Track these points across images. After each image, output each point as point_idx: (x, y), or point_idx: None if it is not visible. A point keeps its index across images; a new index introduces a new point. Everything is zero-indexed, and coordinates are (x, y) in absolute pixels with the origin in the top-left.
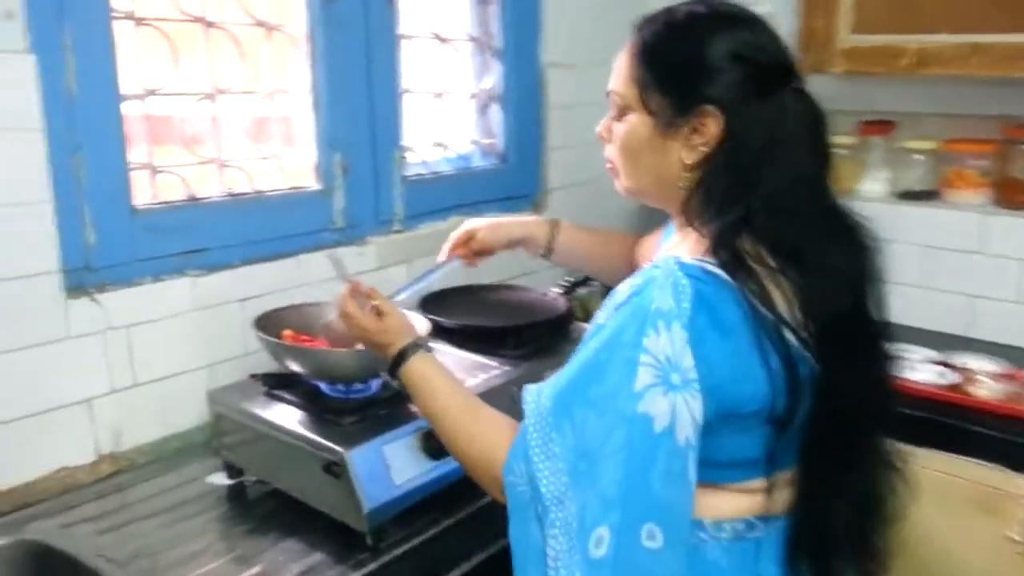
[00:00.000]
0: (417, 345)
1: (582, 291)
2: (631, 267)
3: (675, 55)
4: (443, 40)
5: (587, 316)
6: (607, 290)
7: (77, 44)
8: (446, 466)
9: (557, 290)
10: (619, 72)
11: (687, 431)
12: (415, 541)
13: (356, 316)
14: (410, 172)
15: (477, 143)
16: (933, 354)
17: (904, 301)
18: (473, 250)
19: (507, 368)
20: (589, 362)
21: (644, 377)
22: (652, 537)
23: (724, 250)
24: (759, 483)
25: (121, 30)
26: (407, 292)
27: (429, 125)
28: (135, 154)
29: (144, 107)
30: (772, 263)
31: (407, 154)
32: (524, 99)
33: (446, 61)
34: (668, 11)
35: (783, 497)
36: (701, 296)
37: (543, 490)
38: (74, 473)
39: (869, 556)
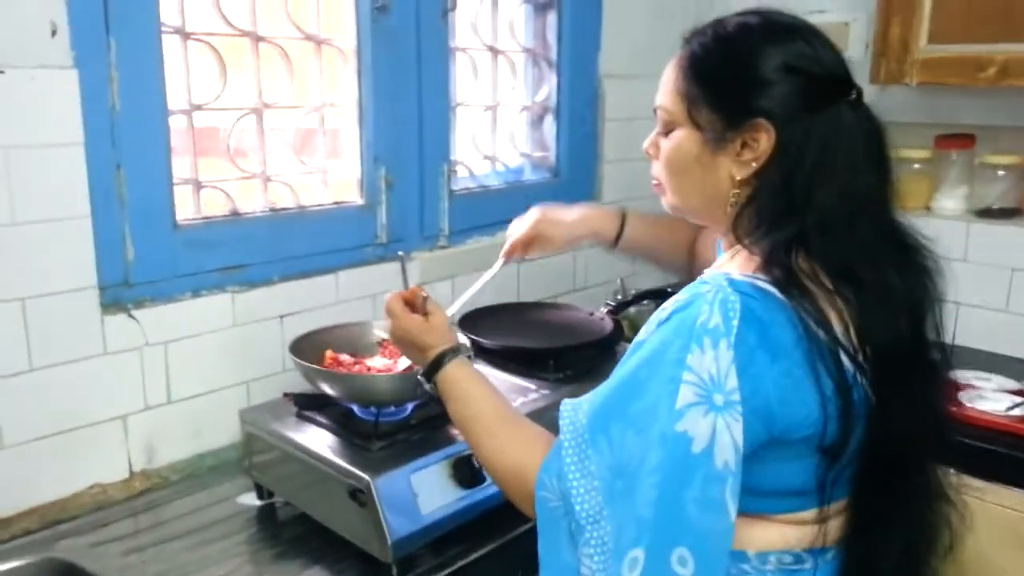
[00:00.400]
0: (457, 351)
1: (631, 310)
2: (692, 256)
3: (725, 68)
4: (497, 52)
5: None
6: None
7: (123, 59)
8: (476, 495)
9: (604, 309)
10: (666, 86)
11: (726, 455)
12: (443, 573)
13: (401, 315)
14: (458, 186)
15: (528, 156)
16: (1010, 383)
17: (983, 325)
18: (535, 250)
19: (546, 392)
20: (629, 378)
21: (686, 395)
22: (683, 563)
23: (777, 267)
24: (808, 514)
25: (169, 44)
26: (462, 301)
27: (480, 138)
28: (179, 166)
29: (190, 121)
30: (827, 283)
31: (456, 168)
32: (579, 111)
33: (500, 73)
34: (718, 22)
35: (833, 529)
36: (751, 313)
37: (577, 508)
38: (107, 490)
39: None
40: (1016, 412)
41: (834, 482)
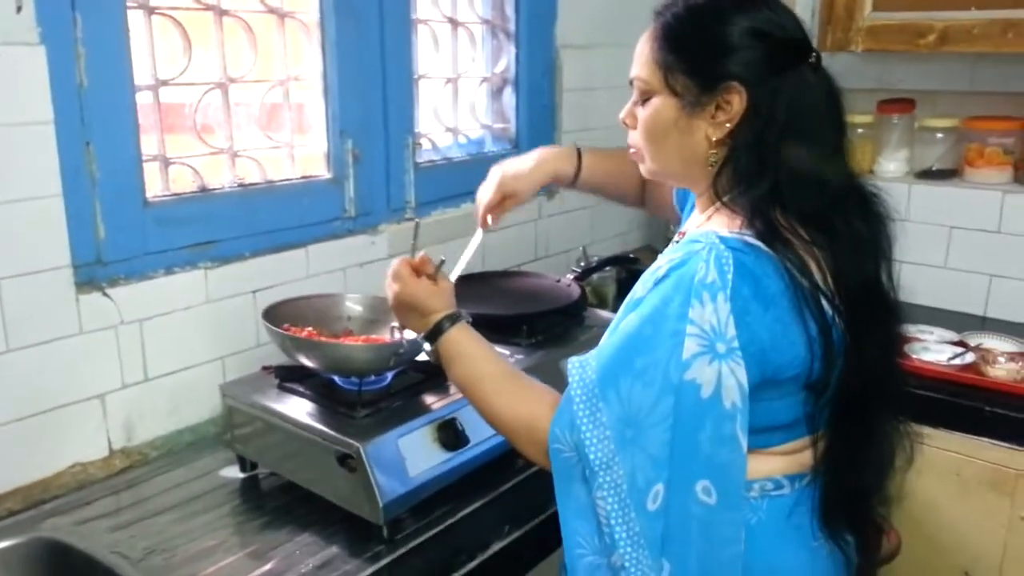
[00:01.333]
0: (459, 316)
1: (595, 277)
2: (641, 189)
3: (698, 36)
4: (457, 24)
5: (601, 302)
6: (622, 275)
7: (89, 35)
8: (460, 457)
9: (570, 276)
10: (642, 57)
11: (733, 396)
12: (431, 532)
13: (409, 279)
14: (422, 159)
15: (489, 128)
16: (950, 335)
17: (923, 281)
18: (507, 208)
19: (520, 356)
20: (634, 334)
21: (690, 346)
22: (708, 493)
23: (760, 222)
24: (790, 446)
25: (133, 19)
26: (458, 270)
27: (441, 111)
28: (146, 144)
29: (156, 97)
30: (803, 234)
31: (420, 141)
32: (537, 82)
33: (460, 45)
34: None
35: (808, 457)
36: (743, 267)
37: (591, 456)
38: (87, 469)
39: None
40: (956, 362)
41: (817, 415)
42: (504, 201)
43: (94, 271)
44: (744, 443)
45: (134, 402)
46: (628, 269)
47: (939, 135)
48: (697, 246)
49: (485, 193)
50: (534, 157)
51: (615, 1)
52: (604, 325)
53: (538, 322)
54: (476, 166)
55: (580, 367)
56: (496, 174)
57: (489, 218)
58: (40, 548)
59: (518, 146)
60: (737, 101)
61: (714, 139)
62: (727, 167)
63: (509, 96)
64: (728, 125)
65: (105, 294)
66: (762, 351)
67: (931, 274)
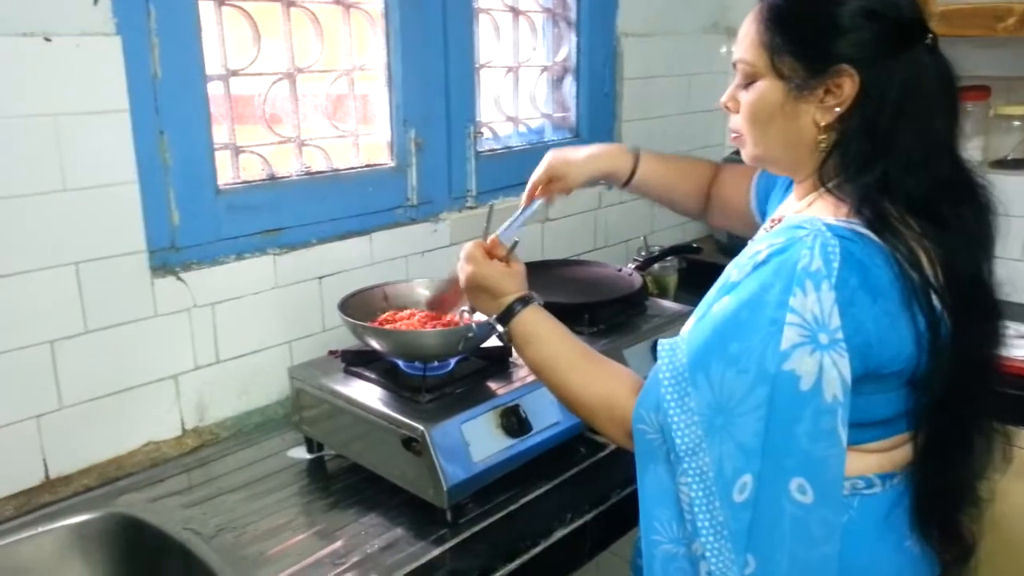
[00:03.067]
0: (532, 298)
1: (656, 267)
2: (705, 199)
3: (807, 16)
4: (518, 12)
5: (661, 292)
6: (684, 265)
7: (162, 26)
8: (524, 444)
9: (631, 265)
10: (746, 39)
11: (835, 389)
12: (494, 517)
13: (483, 261)
14: (483, 148)
15: (549, 117)
16: None
17: (1001, 275)
18: (553, 191)
19: None
20: (728, 319)
21: (790, 336)
22: (803, 491)
23: (870, 210)
24: (885, 443)
25: (204, 10)
26: (509, 233)
27: (502, 99)
28: (217, 133)
29: (227, 87)
30: (913, 224)
31: (481, 129)
32: (598, 71)
33: (521, 34)
34: None
35: (902, 455)
36: (851, 256)
37: (677, 440)
38: (160, 447)
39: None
40: None
41: (919, 412)
42: (551, 183)
43: (168, 256)
44: (844, 438)
45: (206, 383)
46: (689, 259)
47: (1016, 123)
48: (801, 232)
49: (539, 169)
50: (590, 149)
51: None
52: (666, 314)
53: (600, 311)
54: (536, 155)
55: (670, 349)
56: (548, 156)
57: (528, 195)
58: (114, 523)
59: (578, 135)
60: (848, 85)
61: (822, 124)
62: (835, 153)
63: (570, 85)
64: (838, 110)
65: (179, 278)
66: (867, 344)
67: (1008, 267)
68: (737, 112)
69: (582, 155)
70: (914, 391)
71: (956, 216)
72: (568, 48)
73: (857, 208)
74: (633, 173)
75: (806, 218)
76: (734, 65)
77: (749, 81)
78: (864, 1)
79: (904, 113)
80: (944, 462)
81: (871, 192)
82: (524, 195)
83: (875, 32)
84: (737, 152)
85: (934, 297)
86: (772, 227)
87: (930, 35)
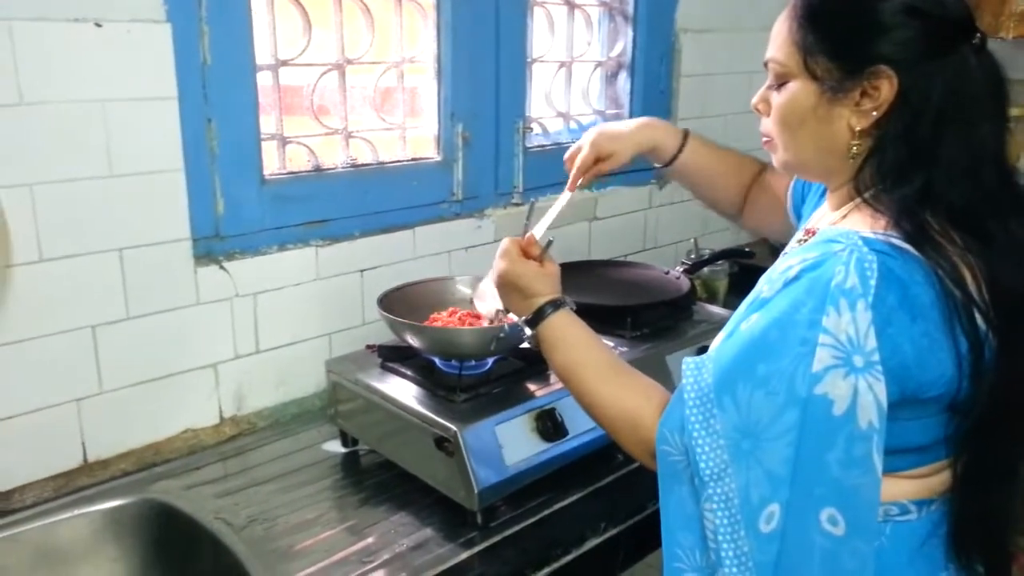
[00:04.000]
0: (564, 302)
1: (706, 270)
2: (744, 197)
3: (844, 13)
4: (574, 6)
5: (711, 296)
6: (735, 269)
7: (213, 14)
8: (558, 449)
9: (680, 268)
10: (779, 38)
11: (870, 414)
12: (526, 523)
13: (517, 259)
14: (531, 143)
15: (602, 113)
16: None
17: None
18: (603, 171)
19: (624, 349)
20: (757, 338)
21: (823, 358)
22: (834, 522)
23: (909, 222)
24: (923, 469)
25: (255, 0)
26: (540, 229)
27: (553, 95)
28: (265, 123)
29: (276, 77)
30: (956, 238)
31: (531, 125)
32: (654, 67)
33: (576, 28)
34: None
35: (939, 482)
36: (890, 273)
37: (701, 465)
38: (198, 435)
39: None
40: None
41: (960, 438)
42: (599, 163)
43: (212, 245)
44: (880, 466)
45: (245, 372)
46: (741, 263)
47: None
48: (836, 247)
49: (579, 152)
50: (637, 121)
51: None
52: (714, 320)
53: (644, 314)
54: None
55: (696, 368)
56: (591, 134)
57: (581, 180)
58: (149, 509)
59: None
60: (886, 87)
61: (857, 129)
62: (871, 160)
63: (624, 81)
64: (875, 114)
65: (222, 267)
66: (904, 367)
67: None
68: (768, 115)
69: (629, 127)
70: (955, 416)
71: (1003, 230)
72: (624, 43)
73: (896, 220)
74: (680, 151)
75: (841, 231)
76: (765, 64)
77: (781, 82)
78: None
79: (947, 119)
80: (986, 489)
81: (911, 203)
82: (570, 180)
83: (917, 31)
84: None
85: (978, 317)
86: (806, 239)
87: (978, 34)
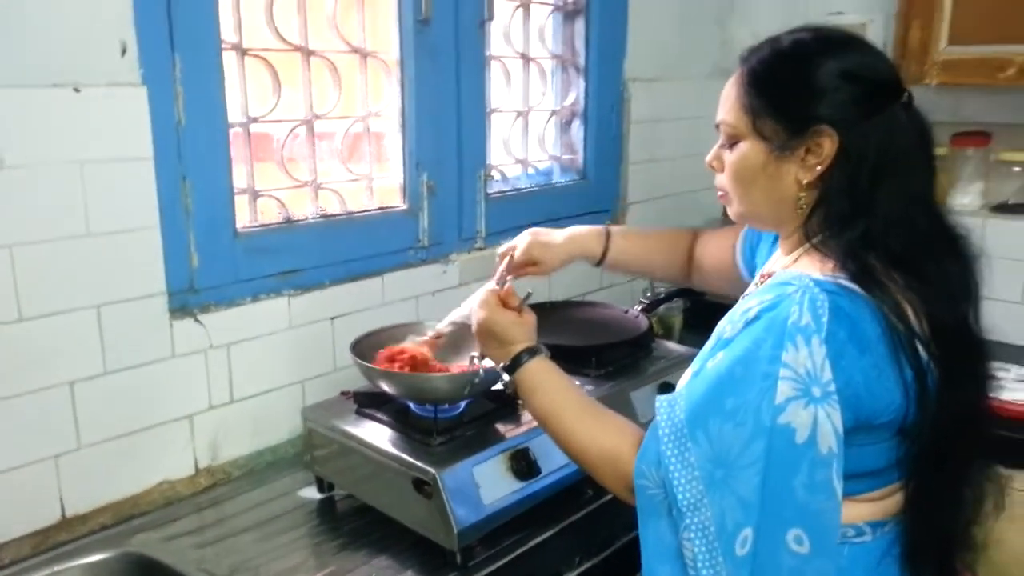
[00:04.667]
0: (540, 349)
1: (662, 308)
2: (688, 266)
3: (786, 79)
4: (529, 59)
5: (666, 333)
6: (688, 306)
7: (187, 76)
8: (533, 486)
9: (637, 307)
10: (728, 102)
11: (829, 441)
12: (504, 560)
13: (496, 309)
14: (493, 190)
15: (557, 159)
16: None
17: (1001, 317)
18: (527, 274)
19: (590, 387)
20: (724, 375)
21: (784, 390)
22: (800, 542)
23: (855, 264)
24: (876, 493)
25: (227, 60)
26: (453, 316)
27: (512, 143)
28: (237, 177)
29: (247, 132)
30: (897, 277)
31: (491, 172)
32: (605, 115)
33: (531, 79)
34: (773, 40)
35: (893, 504)
36: (839, 310)
37: (679, 496)
38: (175, 486)
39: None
40: None
41: (909, 461)
42: (526, 266)
43: (187, 298)
44: (840, 489)
45: (220, 423)
46: (695, 300)
47: (1016, 168)
48: (789, 288)
49: (513, 251)
50: (565, 233)
51: (681, 37)
52: (672, 357)
53: (608, 353)
54: (544, 196)
55: (668, 406)
56: (526, 237)
57: (508, 278)
58: (129, 563)
59: (585, 176)
60: (828, 144)
61: (804, 182)
62: (818, 210)
63: (577, 128)
64: (819, 168)
65: (197, 320)
66: (857, 396)
67: (1007, 310)
68: (722, 171)
69: (559, 239)
70: (904, 441)
71: (938, 269)
72: (576, 93)
73: (842, 263)
74: (605, 253)
75: (794, 274)
76: (717, 127)
77: (732, 142)
78: (841, 63)
79: (883, 170)
80: (935, 510)
81: (855, 247)
82: (498, 275)
83: (853, 93)
84: None
85: (920, 348)
86: (762, 283)
87: (906, 93)
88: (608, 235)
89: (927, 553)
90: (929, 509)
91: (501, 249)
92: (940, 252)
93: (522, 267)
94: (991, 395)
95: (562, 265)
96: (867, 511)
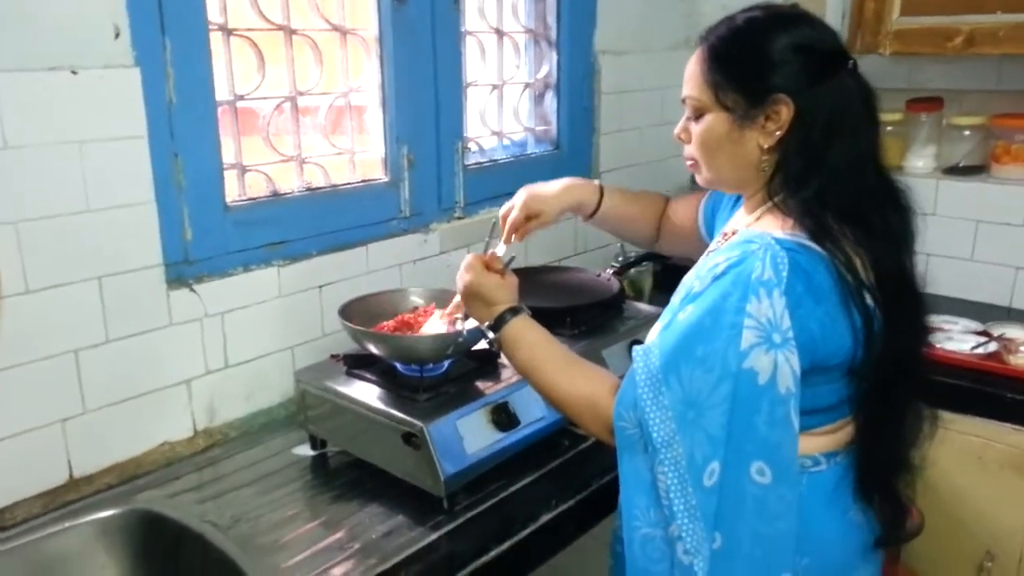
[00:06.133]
0: (522, 309)
1: (632, 271)
2: (657, 231)
3: (744, 54)
4: (502, 34)
5: (637, 294)
6: (658, 269)
7: (177, 57)
8: (513, 437)
9: (609, 271)
10: (692, 78)
11: (787, 382)
12: (486, 504)
13: (481, 272)
14: (470, 161)
15: (531, 130)
16: (975, 324)
17: (950, 273)
18: (531, 229)
19: (565, 346)
20: (694, 325)
21: (748, 337)
22: (762, 473)
23: (810, 220)
24: (830, 427)
25: (214, 40)
26: (501, 246)
27: (487, 115)
28: (225, 153)
29: (234, 109)
30: (847, 232)
31: (468, 144)
32: (577, 86)
33: (504, 53)
34: (729, 19)
35: (843, 436)
36: (797, 266)
37: (654, 434)
38: (175, 447)
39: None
40: (980, 351)
41: (859, 397)
42: (528, 221)
43: (182, 269)
44: (796, 424)
45: (216, 387)
46: (664, 263)
47: (966, 132)
48: (753, 246)
49: (512, 211)
50: (561, 183)
51: (648, 10)
52: (642, 316)
53: (581, 314)
54: (520, 166)
55: (644, 355)
56: (522, 195)
57: (514, 236)
58: (136, 518)
59: (559, 147)
60: (785, 111)
61: (765, 147)
62: (779, 172)
63: (550, 100)
64: (778, 133)
65: (192, 290)
66: (813, 341)
67: (958, 266)
68: (690, 142)
69: (554, 189)
70: (853, 379)
71: (882, 221)
72: (549, 66)
73: (800, 220)
74: (599, 205)
75: (757, 233)
76: (683, 101)
77: (698, 114)
78: (792, 38)
79: (833, 131)
80: (880, 439)
81: (811, 205)
82: (504, 235)
83: (804, 64)
84: None
85: (867, 296)
86: (726, 239)
87: (851, 60)
88: (602, 190)
89: (874, 477)
90: (875, 439)
91: (502, 211)
92: (884, 206)
93: (524, 224)
94: (927, 336)
95: (560, 215)
96: (822, 443)
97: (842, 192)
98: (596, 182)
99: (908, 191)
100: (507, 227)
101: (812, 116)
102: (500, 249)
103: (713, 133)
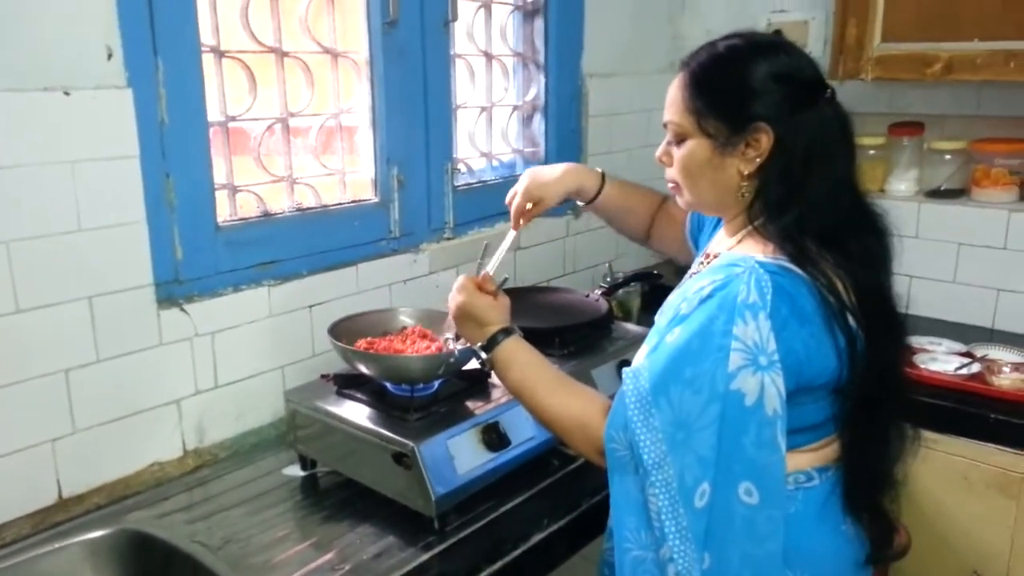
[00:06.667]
0: (514, 330)
1: (620, 292)
2: (650, 228)
3: (724, 82)
4: (491, 57)
5: (625, 315)
6: (646, 289)
7: (169, 78)
8: (503, 457)
9: (598, 291)
10: (673, 104)
11: (774, 404)
12: (477, 525)
13: (473, 293)
14: (459, 182)
15: (520, 152)
16: (958, 346)
17: (933, 295)
18: (535, 213)
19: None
20: (682, 347)
21: (736, 360)
22: (749, 494)
23: (791, 245)
24: (819, 443)
25: (206, 62)
26: (493, 266)
27: (477, 137)
28: (216, 173)
29: (225, 130)
30: (827, 255)
31: (458, 165)
32: (565, 109)
33: (493, 76)
34: (710, 45)
35: (832, 452)
36: (781, 289)
37: (644, 456)
38: (164, 467)
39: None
40: (964, 372)
41: (844, 415)
42: (532, 207)
43: (173, 289)
44: (783, 446)
45: (206, 407)
46: (652, 284)
47: (947, 156)
48: (737, 270)
49: (516, 198)
50: (562, 167)
51: (635, 34)
52: (630, 337)
53: (570, 334)
54: (508, 188)
55: (634, 376)
56: (525, 180)
57: (521, 220)
58: (126, 538)
59: None
60: (765, 139)
61: (745, 173)
62: (759, 197)
63: (539, 122)
64: (758, 160)
65: (183, 309)
66: (798, 363)
67: (940, 288)
68: (671, 166)
69: (555, 174)
70: (838, 398)
71: (860, 245)
72: (537, 88)
73: (780, 245)
74: (600, 191)
75: (740, 256)
76: (665, 125)
77: (680, 139)
78: (771, 67)
79: (812, 159)
80: (865, 455)
81: (791, 231)
82: (512, 221)
83: (784, 93)
84: None
85: (850, 317)
86: (707, 262)
87: (829, 89)
88: (603, 177)
89: (860, 491)
90: (860, 457)
91: (508, 197)
92: (861, 230)
93: (526, 209)
94: (907, 354)
95: (561, 200)
96: (812, 459)
97: (821, 218)
98: (599, 169)
99: (885, 214)
100: (513, 212)
101: (792, 144)
102: (492, 269)
103: (694, 159)
